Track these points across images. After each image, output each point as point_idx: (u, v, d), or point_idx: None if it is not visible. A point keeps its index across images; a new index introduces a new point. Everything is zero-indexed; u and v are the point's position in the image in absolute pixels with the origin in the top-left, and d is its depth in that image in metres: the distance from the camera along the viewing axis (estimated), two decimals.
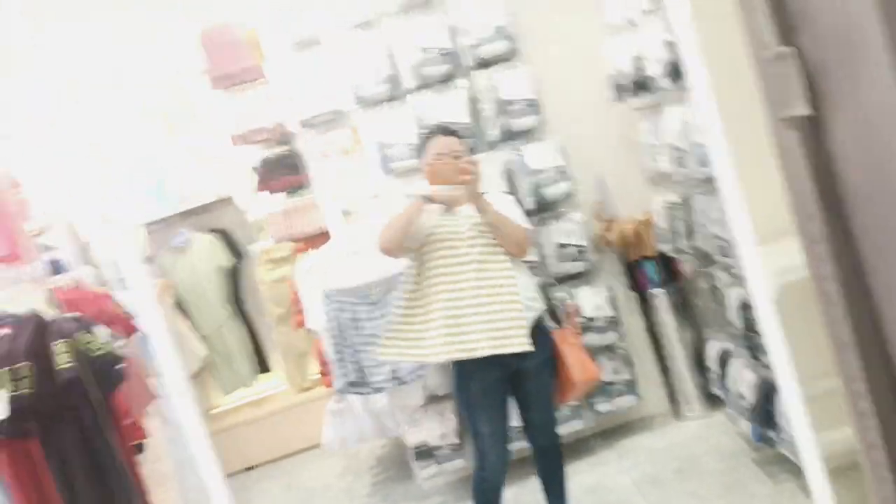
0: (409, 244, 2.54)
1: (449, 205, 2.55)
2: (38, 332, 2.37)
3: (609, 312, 3.42)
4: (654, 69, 2.79)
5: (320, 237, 4.07)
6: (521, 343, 2.45)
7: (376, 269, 3.28)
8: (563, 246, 3.43)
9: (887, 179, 1.20)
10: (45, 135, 3.85)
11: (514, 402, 2.70)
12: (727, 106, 2.06)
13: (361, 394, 3.37)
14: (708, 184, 2.90)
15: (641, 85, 3.05)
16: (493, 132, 3.43)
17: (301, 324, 3.93)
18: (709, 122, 2.05)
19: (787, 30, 1.26)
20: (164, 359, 2.08)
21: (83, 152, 2.10)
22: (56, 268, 4.04)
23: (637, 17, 2.94)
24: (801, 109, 1.24)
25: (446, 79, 3.44)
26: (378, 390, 3.32)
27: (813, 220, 1.31)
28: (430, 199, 2.51)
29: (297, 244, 4.20)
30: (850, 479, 1.88)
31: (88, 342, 2.42)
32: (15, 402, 2.26)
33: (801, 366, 2.27)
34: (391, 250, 2.56)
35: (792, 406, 2.27)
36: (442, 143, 2.59)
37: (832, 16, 1.17)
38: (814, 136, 1.29)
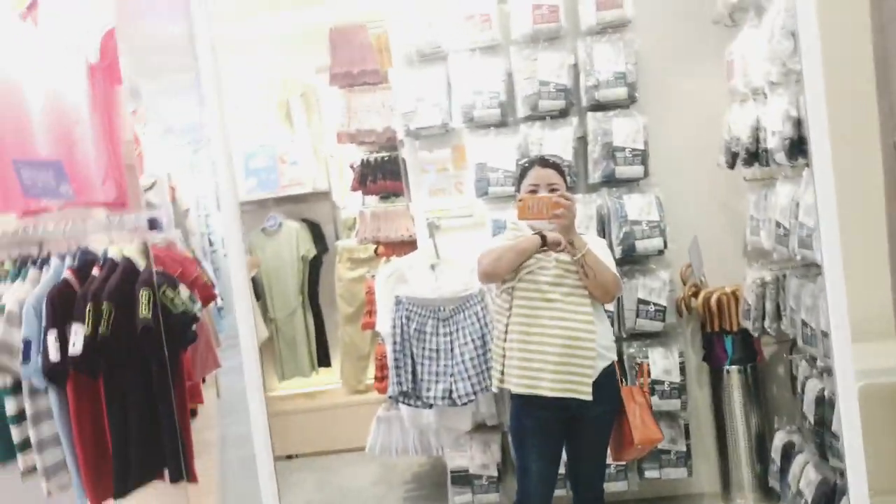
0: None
1: (551, 245, 2.52)
2: (127, 279, 2.47)
3: (677, 378, 3.31)
4: (773, 142, 2.71)
5: (405, 245, 4.12)
6: (584, 392, 2.42)
7: (453, 286, 3.31)
8: (643, 302, 3.35)
9: None
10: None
11: (567, 447, 2.65)
12: (844, 192, 1.98)
13: (412, 405, 3.37)
14: (806, 268, 2.80)
15: (756, 156, 2.97)
16: (596, 175, 3.40)
17: (369, 326, 3.98)
18: (824, 205, 1.97)
19: None
20: (243, 332, 2.15)
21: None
22: (153, 224, 4.24)
23: (764, 86, 2.87)
24: None
25: (559, 114, 3.45)
26: (429, 406, 3.31)
27: None
28: (542, 237, 2.48)
29: (380, 248, 4.26)
30: None
31: (172, 298, 2.51)
32: (90, 339, 2.36)
33: (873, 476, 2.14)
34: (492, 277, 2.58)
35: None
36: (539, 174, 2.58)
37: None
38: None
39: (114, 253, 2.57)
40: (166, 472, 2.54)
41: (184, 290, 2.66)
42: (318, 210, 5.40)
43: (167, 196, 4.95)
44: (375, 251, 4.44)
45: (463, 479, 3.46)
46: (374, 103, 3.98)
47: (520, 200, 2.46)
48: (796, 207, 2.62)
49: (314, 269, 5.32)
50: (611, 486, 3.36)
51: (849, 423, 1.92)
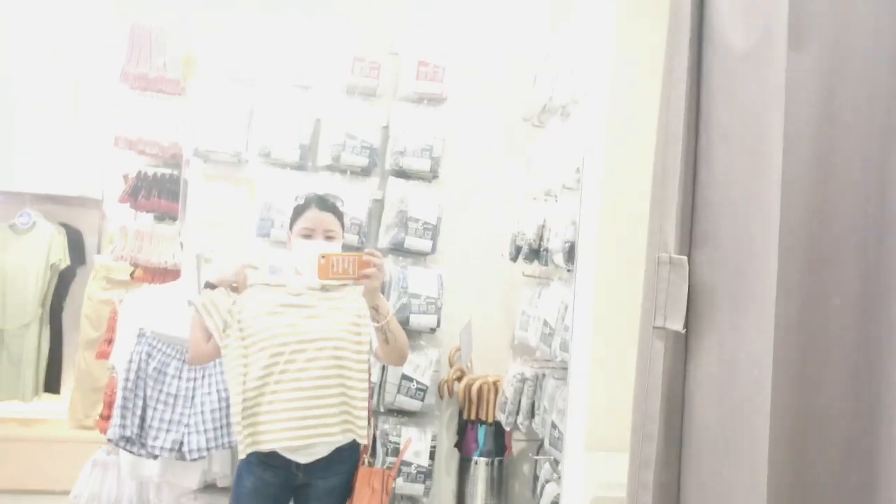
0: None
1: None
2: None
3: (425, 462, 3.22)
4: (554, 243, 2.77)
5: (167, 274, 3.74)
6: (326, 440, 2.22)
7: None
8: (407, 378, 3.26)
9: (733, 428, 1.13)
10: None
11: None
12: (608, 301, 2.01)
13: (134, 453, 2.97)
14: (564, 370, 2.84)
15: (538, 253, 3.03)
16: (386, 240, 3.31)
17: (103, 355, 3.53)
18: (581, 310, 1.99)
19: (688, 242, 1.22)
20: None
21: None
22: None
23: (556, 189, 2.96)
24: (676, 324, 1.18)
25: (361, 171, 3.35)
26: (154, 456, 2.94)
27: (648, 442, 1.21)
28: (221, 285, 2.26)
29: (138, 271, 3.84)
30: None
31: None
32: None
33: None
34: (202, 362, 2.38)
35: None
36: (315, 217, 2.35)
37: (732, 240, 1.13)
38: (679, 354, 1.22)
39: None
40: None
41: None
42: (83, 217, 4.83)
43: None
44: (132, 274, 4.01)
45: None
46: (166, 113, 3.64)
47: (322, 257, 2.16)
48: (564, 310, 2.67)
49: (64, 282, 4.72)
50: None
51: None
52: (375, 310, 2.25)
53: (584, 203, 1.72)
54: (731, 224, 1.18)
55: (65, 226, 4.73)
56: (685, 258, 1.20)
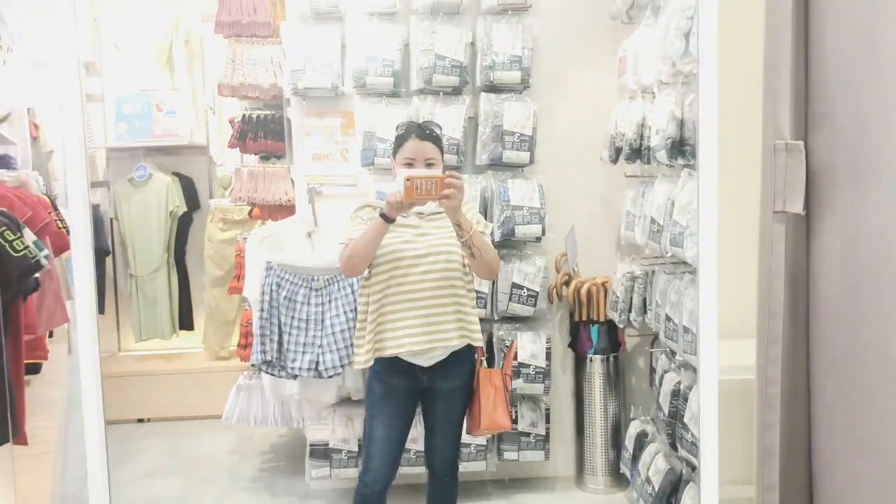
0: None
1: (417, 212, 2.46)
2: None
3: (542, 363, 3.37)
4: (656, 140, 2.78)
5: (282, 210, 3.96)
6: (444, 347, 2.43)
7: (329, 255, 3.20)
8: (517, 286, 3.38)
9: (859, 298, 1.18)
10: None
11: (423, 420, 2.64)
12: (720, 192, 2.04)
13: (275, 375, 3.25)
14: (675, 265, 2.90)
15: (638, 153, 3.04)
16: (484, 156, 3.39)
17: (236, 290, 3.81)
18: (705, 205, 2.02)
19: (804, 126, 1.24)
20: (79, 283, 1.97)
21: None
22: (5, 162, 3.87)
23: (653, 85, 2.94)
24: (796, 206, 1.22)
25: (452, 91, 3.40)
26: (293, 376, 3.21)
27: (775, 319, 1.28)
28: (391, 217, 2.40)
29: (255, 210, 4.07)
30: None
31: (12, 240, 2.28)
32: None
33: (722, 466, 2.25)
34: (354, 273, 2.51)
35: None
36: (415, 147, 2.46)
37: (850, 120, 1.16)
38: (800, 236, 1.26)
39: None
40: None
41: (29, 235, 2.43)
42: (192, 164, 5.12)
43: (26, 132, 4.54)
44: (250, 213, 4.25)
45: (321, 452, 3.39)
46: (262, 57, 3.77)
47: (407, 180, 2.30)
48: (671, 206, 2.70)
49: (183, 227, 5.05)
50: (469, 466, 3.39)
51: (706, 416, 1.99)
52: (458, 226, 2.38)
53: (700, 93, 1.72)
54: (846, 105, 1.20)
55: (177, 175, 5.03)
56: (801, 143, 1.23)
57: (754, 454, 1.39)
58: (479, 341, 2.54)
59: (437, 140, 2.54)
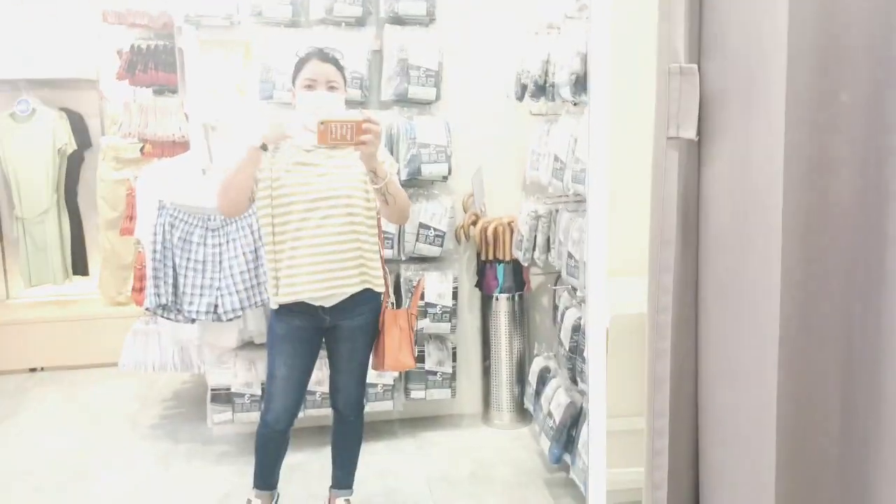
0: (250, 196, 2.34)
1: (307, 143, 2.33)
2: None
3: (449, 303, 3.36)
4: (560, 77, 2.75)
5: (176, 147, 3.76)
6: (343, 293, 2.37)
7: None
8: (424, 227, 3.34)
9: (746, 225, 1.18)
10: None
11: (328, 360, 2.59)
12: (623, 126, 2.03)
13: (172, 319, 3.13)
14: (577, 203, 2.91)
15: (544, 90, 3.01)
16: (389, 91, 3.29)
17: (128, 232, 3.62)
18: (596, 139, 2.01)
19: (697, 49, 1.22)
20: None
21: None
22: None
23: (559, 22, 2.89)
24: (689, 132, 1.21)
25: (356, 22, 3.27)
26: (191, 320, 3.09)
27: (667, 247, 1.28)
28: (270, 143, 2.25)
29: (147, 147, 3.85)
30: None
31: None
32: None
33: (614, 400, 2.30)
34: (230, 210, 2.37)
35: (594, 435, 2.29)
36: (317, 69, 2.34)
37: (742, 41, 1.14)
38: (693, 163, 1.25)
39: None
40: None
41: None
42: (81, 99, 4.78)
43: None
44: (142, 150, 4.02)
45: (224, 397, 3.30)
46: None
47: (321, 123, 2.13)
48: (574, 143, 2.69)
49: (73, 167, 4.75)
50: (376, 406, 3.39)
51: (595, 353, 2.01)
52: (374, 173, 2.28)
53: (593, 24, 1.68)
54: (739, 30, 1.18)
55: (65, 110, 4.70)
56: (695, 66, 1.21)
57: (645, 383, 1.40)
58: (380, 287, 2.48)
59: (339, 65, 2.43)
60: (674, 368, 1.33)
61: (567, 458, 2.84)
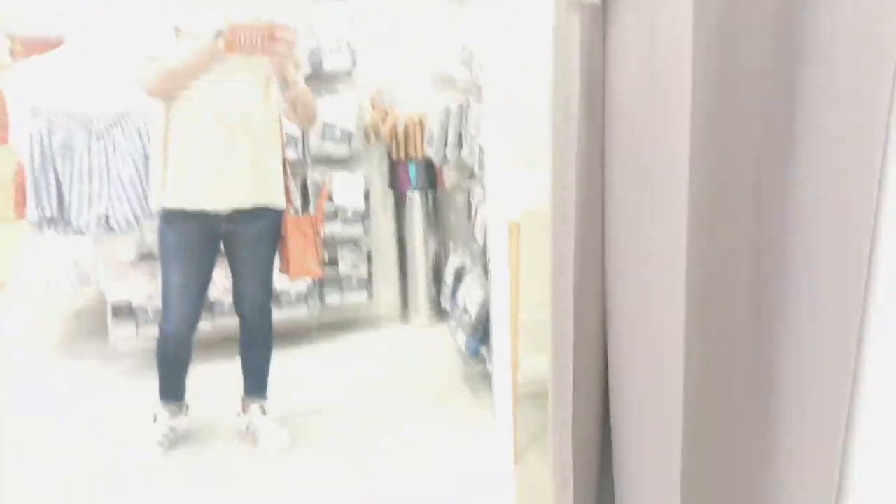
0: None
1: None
2: None
3: (360, 205, 3.25)
4: None
5: (49, 44, 3.41)
6: (238, 202, 2.25)
7: (107, 97, 2.82)
8: (328, 125, 3.17)
9: (652, 94, 1.11)
10: None
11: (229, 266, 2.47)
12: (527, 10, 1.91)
13: (59, 233, 2.91)
14: None
15: None
16: None
17: (2, 140, 3.32)
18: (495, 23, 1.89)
19: None
20: None
21: None
22: None
23: None
24: None
25: None
26: (80, 232, 2.88)
27: (570, 122, 1.19)
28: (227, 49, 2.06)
29: (17, 46, 3.49)
30: (539, 404, 1.90)
31: None
32: None
33: (526, 292, 2.27)
34: (155, 94, 2.17)
35: (497, 325, 2.28)
36: None
37: None
38: (597, 30, 1.16)
39: None
40: None
41: None
42: None
43: None
44: (11, 51, 3.64)
45: (125, 311, 3.14)
46: None
47: (230, 32, 1.98)
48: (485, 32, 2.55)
49: None
50: (290, 314, 3.30)
51: (496, 245, 1.96)
52: (284, 80, 2.13)
53: None
54: None
55: None
56: None
57: (549, 265, 1.35)
58: (280, 202, 2.35)
59: None
60: (576, 256, 1.27)
61: (484, 351, 2.84)
